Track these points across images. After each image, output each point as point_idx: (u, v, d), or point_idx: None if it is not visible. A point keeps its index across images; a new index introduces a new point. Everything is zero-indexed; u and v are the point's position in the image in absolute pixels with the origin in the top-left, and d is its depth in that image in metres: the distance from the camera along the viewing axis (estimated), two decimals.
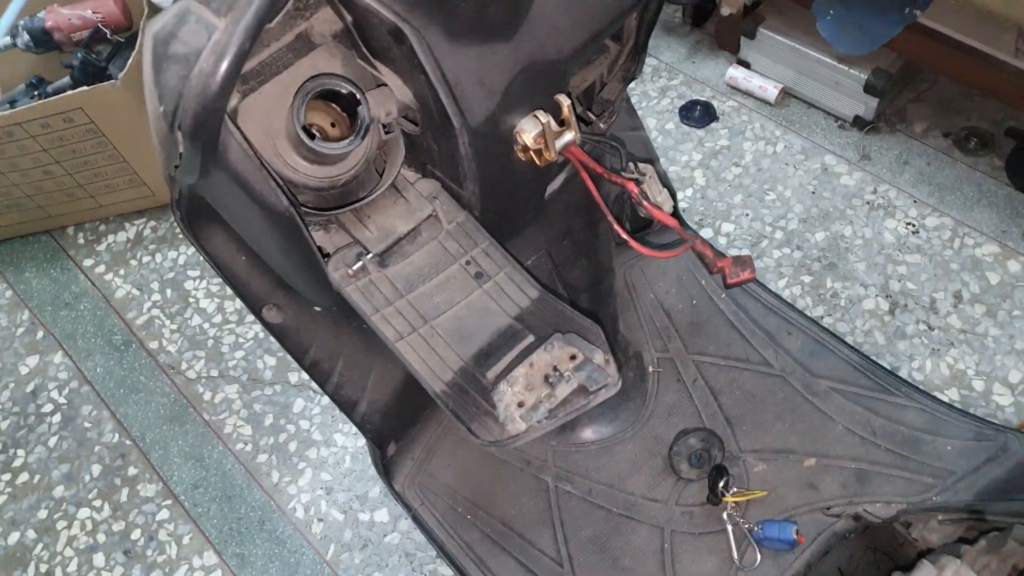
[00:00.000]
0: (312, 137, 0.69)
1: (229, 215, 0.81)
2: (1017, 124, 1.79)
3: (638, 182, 0.89)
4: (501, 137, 0.73)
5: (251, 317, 1.86)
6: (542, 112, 0.69)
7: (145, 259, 1.99)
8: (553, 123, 0.71)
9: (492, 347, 0.77)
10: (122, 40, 1.90)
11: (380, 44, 0.69)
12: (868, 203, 1.77)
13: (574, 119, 0.71)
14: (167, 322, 1.88)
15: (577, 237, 1.02)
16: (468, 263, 0.81)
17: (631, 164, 0.94)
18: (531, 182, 0.85)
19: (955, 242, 1.69)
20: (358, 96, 0.69)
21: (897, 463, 1.07)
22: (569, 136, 0.71)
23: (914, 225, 1.72)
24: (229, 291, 1.92)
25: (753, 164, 1.87)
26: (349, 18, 0.69)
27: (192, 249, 1.98)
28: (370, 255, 0.80)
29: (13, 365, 1.89)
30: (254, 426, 1.72)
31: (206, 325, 1.87)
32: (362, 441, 1.68)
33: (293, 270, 0.83)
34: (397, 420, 1.17)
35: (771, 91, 1.90)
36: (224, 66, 0.52)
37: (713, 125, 1.94)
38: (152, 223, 2.05)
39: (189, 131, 0.54)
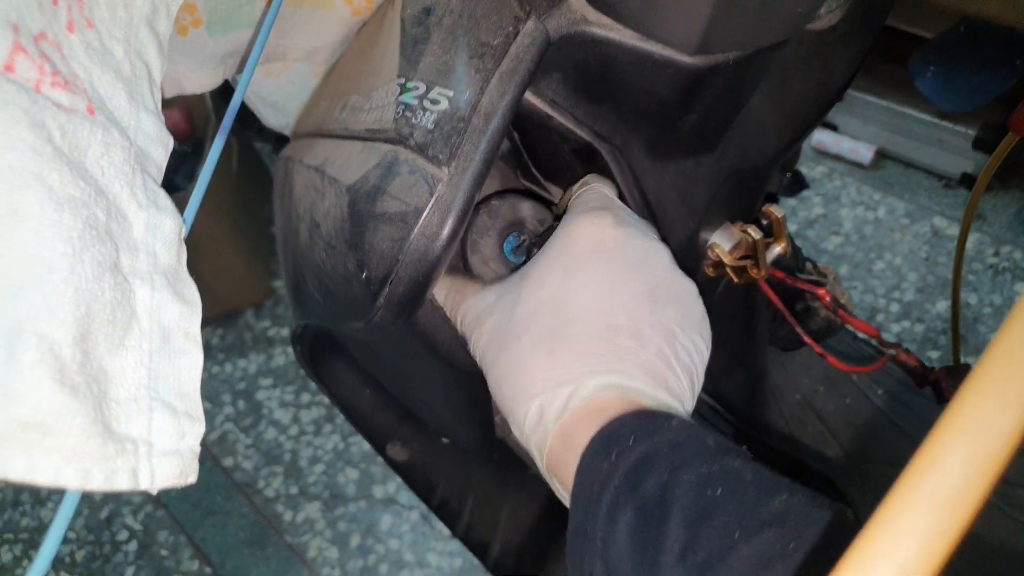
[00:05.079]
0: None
1: (373, 357, 0.71)
2: None
3: (820, 284, 0.77)
4: (693, 256, 0.62)
5: (329, 427, 1.76)
6: (752, 227, 0.59)
7: (215, 369, 1.90)
8: (754, 233, 0.60)
9: None
10: (188, 149, 1.86)
11: (556, 163, 0.59)
12: (991, 267, 1.64)
13: (786, 230, 0.60)
14: (241, 436, 1.78)
15: (734, 345, 0.90)
16: None
17: (808, 264, 0.83)
18: (705, 296, 0.75)
19: None
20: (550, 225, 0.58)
21: None
22: (778, 249, 0.60)
23: None
24: (304, 399, 1.83)
25: (855, 232, 1.75)
26: (516, 136, 0.60)
27: (263, 357, 1.90)
28: None
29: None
30: (340, 548, 1.59)
31: (282, 437, 1.76)
32: (458, 562, 1.54)
33: (456, 418, 0.72)
34: (531, 562, 1.04)
35: (864, 153, 1.80)
36: (449, 225, 0.42)
37: (805, 193, 1.83)
38: (219, 331, 1.97)
39: (401, 301, 0.44)
